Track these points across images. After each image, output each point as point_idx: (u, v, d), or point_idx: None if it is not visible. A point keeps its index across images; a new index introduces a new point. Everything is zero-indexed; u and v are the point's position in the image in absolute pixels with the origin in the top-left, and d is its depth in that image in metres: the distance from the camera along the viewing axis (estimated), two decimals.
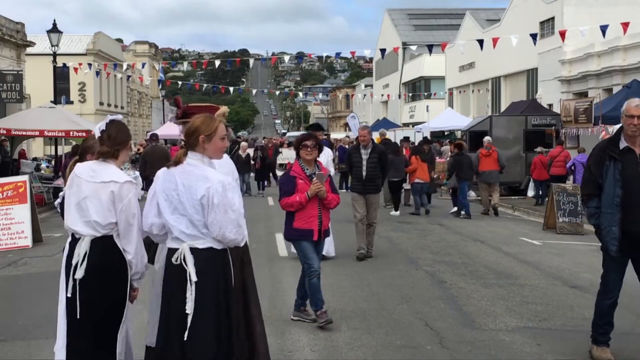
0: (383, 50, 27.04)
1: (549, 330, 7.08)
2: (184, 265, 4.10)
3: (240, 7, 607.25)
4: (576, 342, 6.68)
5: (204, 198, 4.09)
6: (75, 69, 29.25)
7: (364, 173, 11.11)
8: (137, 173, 16.82)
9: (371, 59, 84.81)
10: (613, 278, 6.06)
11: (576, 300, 8.40)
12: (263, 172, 24.76)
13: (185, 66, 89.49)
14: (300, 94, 70.23)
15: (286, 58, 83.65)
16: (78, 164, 4.59)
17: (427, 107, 40.95)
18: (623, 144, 5.88)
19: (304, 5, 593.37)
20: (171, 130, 30.74)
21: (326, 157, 10.63)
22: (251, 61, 45.41)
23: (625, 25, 19.37)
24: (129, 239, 4.39)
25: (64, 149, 23.08)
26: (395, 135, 32.24)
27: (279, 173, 35.82)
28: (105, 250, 4.37)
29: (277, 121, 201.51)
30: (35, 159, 30.32)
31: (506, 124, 23.24)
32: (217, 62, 36.32)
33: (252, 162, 24.41)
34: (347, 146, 22.84)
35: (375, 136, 19.04)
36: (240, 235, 4.16)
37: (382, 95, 56.47)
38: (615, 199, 5.79)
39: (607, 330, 6.12)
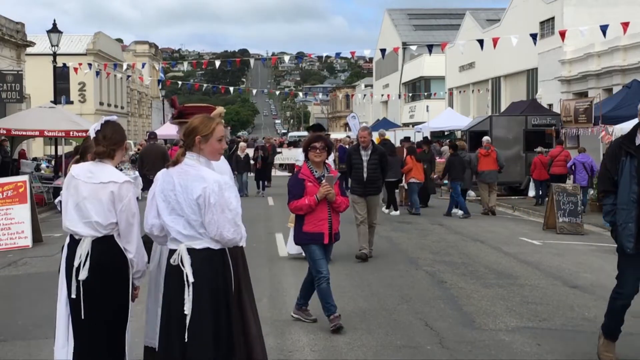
0: (383, 50, 27.02)
1: (549, 330, 7.08)
2: (181, 267, 4.11)
3: (240, 7, 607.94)
4: (576, 342, 6.68)
5: (201, 198, 4.09)
6: (75, 69, 29.24)
7: (365, 175, 11.09)
8: (137, 173, 16.84)
9: (371, 59, 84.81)
10: (628, 278, 5.93)
11: (576, 300, 8.40)
12: (264, 172, 24.71)
13: (185, 66, 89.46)
14: (300, 94, 70.21)
15: (286, 58, 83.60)
16: (74, 166, 4.60)
17: (427, 107, 40.95)
18: (639, 140, 5.85)
19: (304, 5, 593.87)
20: (171, 130, 30.70)
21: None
22: (251, 61, 45.47)
23: (625, 25, 19.37)
24: (129, 239, 4.41)
25: (64, 149, 23.07)
26: (395, 136, 32.22)
27: (279, 173, 36.03)
28: (106, 250, 4.39)
29: (277, 121, 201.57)
30: (35, 159, 30.32)
31: (506, 124, 23.26)
32: (217, 62, 36.28)
33: (253, 162, 24.38)
34: (347, 146, 22.82)
35: (375, 136, 19.07)
36: (239, 235, 4.15)
37: (382, 95, 56.48)
38: (631, 195, 5.72)
39: (617, 327, 6.06)
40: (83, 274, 4.33)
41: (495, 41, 22.55)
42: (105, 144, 4.48)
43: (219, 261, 4.18)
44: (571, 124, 20.23)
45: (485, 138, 19.24)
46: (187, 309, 4.08)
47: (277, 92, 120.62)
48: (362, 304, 8.15)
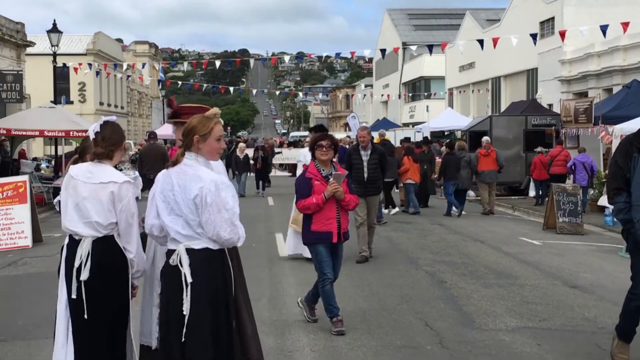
0: (383, 51, 27.02)
1: (549, 330, 7.08)
2: (180, 267, 4.11)
3: (240, 7, 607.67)
4: (576, 342, 6.68)
5: (197, 198, 4.09)
6: (75, 69, 29.25)
7: (365, 175, 11.06)
8: (137, 173, 16.84)
9: (371, 59, 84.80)
10: None
11: (576, 300, 8.40)
12: (263, 173, 24.62)
13: (185, 66, 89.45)
14: (300, 94, 70.17)
15: (286, 58, 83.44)
16: (72, 166, 4.60)
17: (427, 107, 40.98)
18: None
19: (304, 5, 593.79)
20: (170, 130, 30.75)
21: None
22: (251, 61, 45.41)
23: (625, 25, 19.37)
24: (129, 238, 4.42)
25: (64, 149, 23.07)
26: (395, 136, 32.24)
27: (279, 173, 36.01)
28: (106, 250, 4.39)
29: (277, 121, 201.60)
30: (35, 159, 30.31)
31: (506, 124, 23.26)
32: (217, 62, 36.27)
33: (252, 162, 24.32)
34: (347, 146, 22.83)
35: (375, 137, 19.09)
36: (236, 235, 4.14)
37: (382, 95, 56.48)
38: None
39: (631, 329, 5.95)
40: (85, 275, 4.33)
41: (495, 41, 22.55)
42: (104, 145, 4.48)
43: (218, 261, 4.18)
44: (571, 124, 20.23)
45: (485, 138, 19.28)
46: (186, 309, 4.08)
47: (277, 92, 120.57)
48: (362, 304, 8.15)
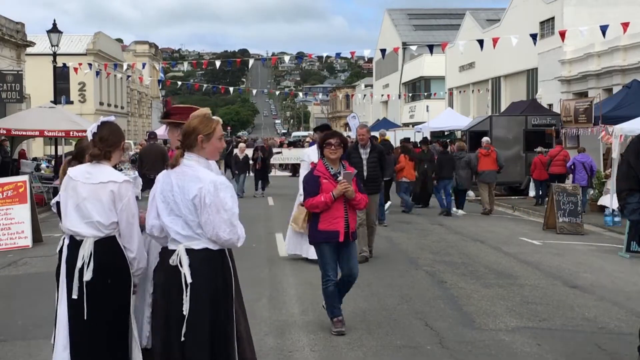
0: (383, 50, 27.02)
1: (549, 330, 7.08)
2: (179, 267, 4.11)
3: (240, 7, 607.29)
4: (576, 342, 6.68)
5: (196, 198, 4.08)
6: (75, 69, 29.25)
7: (365, 173, 11.04)
8: (137, 173, 16.83)
9: (371, 59, 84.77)
10: None
11: (576, 300, 8.40)
12: (263, 173, 24.51)
13: (185, 66, 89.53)
14: (300, 94, 70.27)
15: (286, 58, 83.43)
16: (71, 168, 4.60)
17: (427, 107, 40.95)
18: None
19: (304, 5, 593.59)
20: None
21: None
22: (251, 61, 45.17)
23: (625, 25, 19.37)
24: (130, 238, 4.43)
25: (64, 149, 23.06)
26: (395, 136, 32.24)
27: (280, 173, 35.99)
28: (107, 250, 4.40)
29: (277, 121, 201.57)
30: (35, 159, 30.30)
31: (506, 124, 23.27)
32: (217, 62, 36.25)
33: (252, 162, 24.23)
34: None
35: (376, 136, 19.16)
36: (235, 235, 4.13)
37: (382, 95, 56.48)
38: None
39: None
40: (88, 275, 4.33)
41: (495, 41, 22.56)
42: (101, 146, 4.48)
43: (217, 261, 4.18)
44: (571, 124, 20.23)
45: (485, 139, 19.35)
46: (185, 309, 4.08)
47: (277, 92, 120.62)
48: (362, 304, 8.15)
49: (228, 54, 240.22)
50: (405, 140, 20.98)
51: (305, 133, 69.79)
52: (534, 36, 22.30)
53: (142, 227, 4.47)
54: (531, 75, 35.57)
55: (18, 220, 12.79)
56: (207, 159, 4.27)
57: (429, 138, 26.52)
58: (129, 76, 45.73)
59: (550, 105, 28.42)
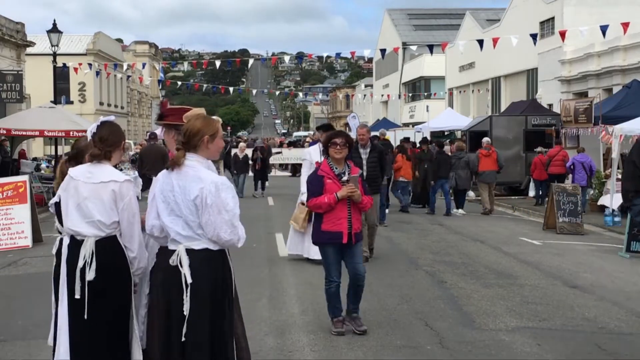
0: (383, 50, 27.02)
1: (549, 330, 7.08)
2: (180, 267, 4.11)
3: (240, 7, 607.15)
4: (576, 342, 6.68)
5: (198, 199, 4.08)
6: (75, 69, 29.25)
7: (365, 173, 11.02)
8: (137, 173, 16.83)
9: (371, 59, 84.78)
10: None
11: (576, 300, 8.40)
12: (263, 173, 24.41)
13: (185, 66, 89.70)
14: (300, 94, 70.23)
15: (286, 58, 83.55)
16: (71, 168, 4.59)
17: (427, 107, 40.92)
18: None
19: (304, 5, 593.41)
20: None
21: None
22: (251, 61, 45.30)
23: (625, 25, 19.36)
24: (131, 237, 4.43)
25: (64, 149, 23.07)
26: (395, 136, 32.23)
27: (280, 173, 35.98)
28: (108, 250, 4.39)
29: (277, 121, 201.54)
30: (35, 159, 30.31)
31: (506, 124, 23.27)
32: (217, 62, 36.26)
33: (251, 162, 24.11)
34: None
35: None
36: (236, 236, 4.14)
37: (382, 95, 56.48)
38: None
39: None
40: (90, 275, 4.33)
41: (495, 41, 22.55)
42: (101, 146, 4.48)
43: (218, 262, 4.18)
44: (571, 124, 20.24)
45: (486, 139, 19.39)
46: (186, 309, 4.08)
47: (277, 92, 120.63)
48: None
49: (228, 54, 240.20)
50: (405, 140, 21.02)
51: (306, 133, 69.84)
52: (534, 36, 22.30)
53: (142, 228, 4.47)
54: (531, 75, 35.57)
55: (18, 220, 12.79)
56: (207, 159, 4.27)
57: (429, 138, 26.51)
58: (129, 76, 45.75)
59: (550, 105, 28.42)
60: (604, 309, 7.92)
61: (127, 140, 6.41)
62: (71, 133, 19.37)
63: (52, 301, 4.66)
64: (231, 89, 43.07)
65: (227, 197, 4.11)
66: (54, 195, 4.91)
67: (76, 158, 4.79)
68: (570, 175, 18.08)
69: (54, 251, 4.66)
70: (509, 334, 6.93)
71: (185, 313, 4.07)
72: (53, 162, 24.93)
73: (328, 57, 36.98)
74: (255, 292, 8.61)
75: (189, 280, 4.08)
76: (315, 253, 10.13)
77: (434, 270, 10.23)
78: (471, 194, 21.10)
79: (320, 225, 6.74)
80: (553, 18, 32.36)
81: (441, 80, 50.97)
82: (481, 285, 9.23)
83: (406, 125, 48.86)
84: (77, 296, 4.35)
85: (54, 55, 26.02)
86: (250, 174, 24.36)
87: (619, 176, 16.55)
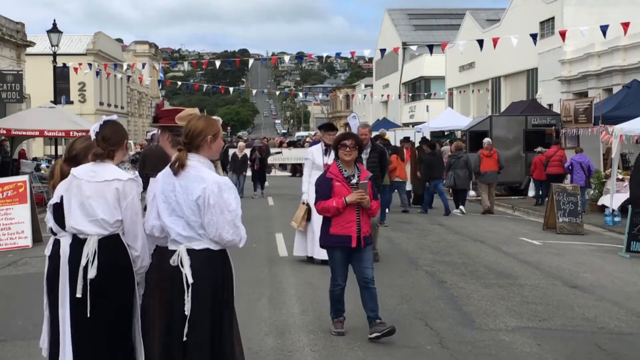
0: (383, 50, 27.05)
1: (549, 330, 7.08)
2: (181, 267, 4.10)
3: (240, 7, 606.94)
4: (576, 342, 6.68)
5: (200, 199, 4.08)
6: (75, 69, 29.24)
7: None
8: (137, 173, 16.82)
9: (371, 59, 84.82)
10: None
11: (576, 300, 8.40)
12: (262, 173, 24.29)
13: (185, 66, 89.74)
14: (300, 94, 70.27)
15: (286, 58, 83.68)
16: (73, 168, 4.58)
17: (427, 107, 40.90)
18: None
19: (304, 5, 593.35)
20: None
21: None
22: (251, 61, 45.35)
23: (626, 25, 19.36)
24: (135, 236, 4.42)
25: (64, 149, 23.05)
26: (395, 136, 32.21)
27: (280, 173, 35.94)
28: (111, 249, 4.39)
29: (277, 121, 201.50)
30: (35, 159, 30.31)
31: (506, 124, 23.27)
32: (217, 62, 36.27)
33: (250, 162, 23.96)
34: None
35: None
36: (238, 237, 4.14)
37: (382, 95, 56.47)
38: None
39: None
40: (92, 272, 4.33)
41: (495, 41, 22.55)
42: (104, 145, 4.48)
43: (218, 262, 4.19)
44: (571, 124, 20.24)
45: (487, 140, 19.41)
46: (187, 309, 4.08)
47: (277, 92, 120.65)
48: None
49: (228, 54, 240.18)
50: (405, 140, 21.02)
51: (305, 133, 69.82)
52: (534, 36, 22.30)
53: None
54: (531, 75, 35.57)
55: (18, 220, 12.79)
56: (207, 159, 4.27)
57: (429, 138, 26.50)
58: (129, 76, 45.74)
59: (550, 105, 28.42)
60: (604, 309, 7.92)
61: (128, 140, 6.33)
62: (71, 133, 19.36)
63: (45, 303, 4.60)
64: (231, 89, 43.06)
65: (230, 198, 4.11)
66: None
67: (75, 159, 4.77)
68: (568, 176, 18.09)
69: (47, 253, 4.63)
70: (509, 334, 6.93)
71: (186, 313, 4.07)
72: (53, 162, 24.92)
73: (328, 57, 37.01)
74: (255, 292, 8.61)
75: (190, 281, 4.08)
76: (318, 253, 10.11)
77: (434, 270, 10.23)
78: (472, 193, 21.10)
79: (329, 229, 6.61)
80: (553, 18, 32.36)
81: (441, 80, 50.97)
82: (481, 285, 9.23)
83: (406, 125, 48.83)
84: (79, 295, 4.34)
85: (54, 55, 26.03)
86: (248, 173, 24.23)
87: (619, 176, 16.59)
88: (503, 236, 14.03)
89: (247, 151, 24.15)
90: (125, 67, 37.95)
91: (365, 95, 66.40)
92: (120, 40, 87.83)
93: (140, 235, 4.43)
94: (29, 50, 32.63)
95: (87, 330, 4.36)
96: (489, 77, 41.36)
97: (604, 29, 19.60)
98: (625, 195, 15.75)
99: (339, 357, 6.24)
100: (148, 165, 6.16)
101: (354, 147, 6.65)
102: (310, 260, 10.46)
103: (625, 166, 18.62)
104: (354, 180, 6.62)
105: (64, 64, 27.89)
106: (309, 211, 10.36)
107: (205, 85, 53.50)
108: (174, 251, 4.17)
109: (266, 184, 24.95)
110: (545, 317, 7.57)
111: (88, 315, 4.32)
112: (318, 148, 10.65)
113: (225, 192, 4.10)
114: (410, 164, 18.91)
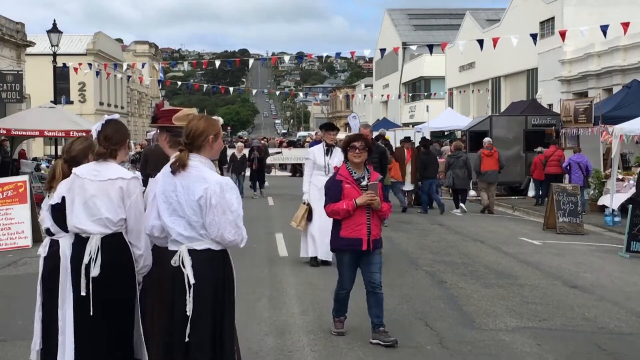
0: (383, 50, 27.07)
1: (549, 330, 7.08)
2: (182, 268, 4.11)
3: (240, 7, 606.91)
4: (576, 342, 6.68)
5: (202, 199, 4.08)
6: (75, 69, 29.25)
7: None
8: (137, 173, 16.79)
9: (371, 59, 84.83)
10: None
11: (576, 300, 8.40)
12: (261, 173, 24.22)
13: (185, 66, 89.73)
14: (300, 94, 70.33)
15: (286, 58, 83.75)
16: (76, 168, 4.58)
17: (427, 107, 40.95)
18: None
19: (304, 5, 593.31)
20: None
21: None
22: (251, 61, 45.38)
23: (626, 25, 19.36)
24: (138, 234, 4.43)
25: (63, 149, 23.04)
26: (395, 136, 32.21)
27: (279, 173, 35.93)
28: (114, 247, 4.39)
29: (277, 121, 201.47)
30: (35, 159, 30.30)
31: (506, 124, 23.27)
32: (217, 62, 36.33)
33: (249, 162, 23.91)
34: None
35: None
36: (239, 237, 4.14)
37: (382, 95, 56.49)
38: None
39: None
40: (95, 271, 4.33)
41: (495, 41, 22.55)
42: (106, 144, 4.48)
43: (220, 262, 4.19)
44: (571, 124, 20.24)
45: (487, 139, 19.41)
46: (189, 309, 4.08)
47: (277, 92, 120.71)
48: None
49: (228, 54, 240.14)
50: (406, 140, 21.02)
51: (305, 133, 69.83)
52: (534, 36, 22.30)
53: None
54: (531, 75, 35.58)
55: (18, 220, 12.78)
56: (209, 160, 4.27)
57: (428, 138, 26.50)
58: (129, 76, 45.74)
59: (550, 105, 28.43)
60: (604, 309, 7.92)
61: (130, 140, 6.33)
62: (71, 133, 19.34)
63: (38, 305, 4.56)
64: (231, 89, 43.07)
65: (232, 198, 4.11)
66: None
67: (75, 159, 4.77)
68: (566, 176, 18.10)
69: (42, 253, 4.59)
70: (509, 334, 6.93)
71: (188, 313, 4.07)
72: (53, 162, 24.92)
73: (328, 57, 36.98)
74: (255, 292, 8.61)
75: (192, 281, 4.08)
76: (322, 254, 10.09)
77: (434, 270, 10.23)
78: (472, 193, 21.11)
79: (339, 232, 6.52)
80: (553, 18, 32.37)
81: (441, 80, 50.99)
82: (481, 285, 9.23)
83: (406, 125, 48.84)
84: (83, 293, 4.34)
85: (54, 55, 26.03)
86: (247, 173, 24.18)
87: (619, 176, 16.59)
88: (503, 236, 14.03)
89: (246, 151, 24.15)
90: (125, 67, 37.97)
91: (365, 95, 66.42)
92: (120, 40, 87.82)
93: (144, 234, 4.43)
94: (29, 50, 32.65)
95: (88, 330, 4.36)
96: (489, 77, 41.38)
97: (604, 29, 19.60)
98: (625, 195, 15.76)
99: (339, 357, 6.24)
100: (150, 165, 6.16)
101: (363, 149, 6.57)
102: (314, 260, 10.40)
103: (625, 166, 18.63)
104: (364, 182, 6.52)
105: (64, 64, 27.90)
106: (309, 211, 10.35)
107: (205, 85, 53.48)
108: (174, 251, 4.17)
109: (266, 184, 24.93)
110: (545, 317, 7.57)
111: (91, 314, 4.31)
112: (319, 148, 10.63)
113: (227, 193, 4.10)
114: (411, 164, 18.88)
